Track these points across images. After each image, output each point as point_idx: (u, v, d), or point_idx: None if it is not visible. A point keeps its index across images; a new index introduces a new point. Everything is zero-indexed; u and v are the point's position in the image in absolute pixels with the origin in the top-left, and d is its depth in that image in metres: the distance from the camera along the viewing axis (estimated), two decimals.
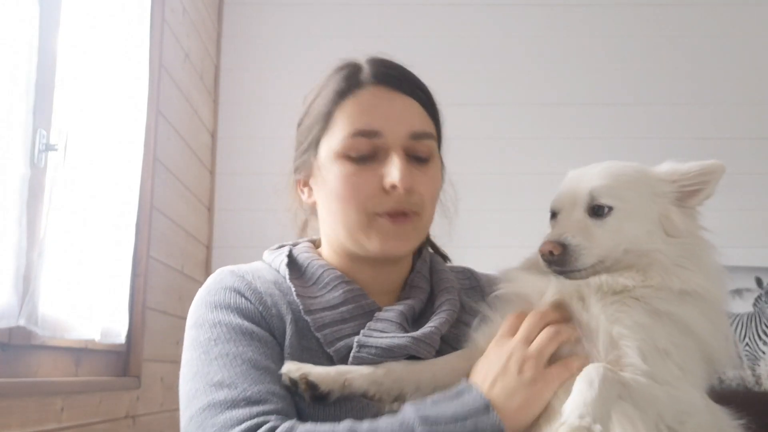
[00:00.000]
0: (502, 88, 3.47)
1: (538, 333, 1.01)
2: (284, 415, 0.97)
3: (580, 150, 3.29)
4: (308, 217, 1.24)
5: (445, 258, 1.28)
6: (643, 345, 0.95)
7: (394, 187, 1.06)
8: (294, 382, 0.99)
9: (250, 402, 0.96)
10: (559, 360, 0.99)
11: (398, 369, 1.03)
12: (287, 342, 1.05)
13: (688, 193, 1.07)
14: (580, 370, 0.95)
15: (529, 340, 1.00)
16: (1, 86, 1.56)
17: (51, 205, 1.75)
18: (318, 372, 1.00)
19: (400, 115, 1.09)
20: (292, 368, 1.00)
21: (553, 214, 1.11)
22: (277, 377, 1.01)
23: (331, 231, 1.14)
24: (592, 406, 0.85)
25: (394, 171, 1.06)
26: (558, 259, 1.02)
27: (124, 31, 2.23)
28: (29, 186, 1.62)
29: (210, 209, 3.37)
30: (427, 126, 1.13)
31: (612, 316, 0.97)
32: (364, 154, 1.07)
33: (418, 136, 1.10)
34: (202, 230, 3.25)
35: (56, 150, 1.78)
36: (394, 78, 1.12)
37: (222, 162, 3.42)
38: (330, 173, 1.09)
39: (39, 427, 1.74)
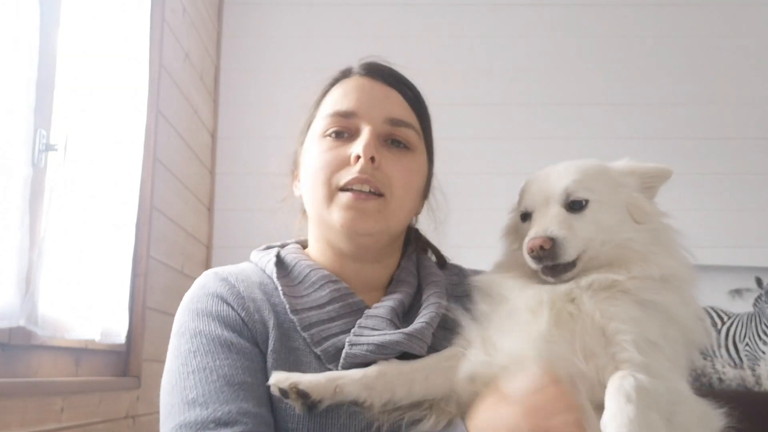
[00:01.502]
0: (502, 88, 3.48)
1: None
2: None
3: (579, 150, 3.28)
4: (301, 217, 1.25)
5: (443, 261, 1.28)
6: (638, 339, 0.95)
7: (357, 157, 1.09)
8: (284, 392, 0.98)
9: (219, 424, 0.96)
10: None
11: (390, 372, 1.01)
12: (271, 347, 1.05)
13: (643, 187, 1.12)
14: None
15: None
16: (1, 86, 1.56)
17: (51, 205, 1.75)
18: (308, 380, 0.98)
19: (379, 100, 1.14)
20: (280, 378, 0.99)
21: (526, 216, 1.13)
22: (253, 393, 1.01)
23: (309, 215, 1.17)
24: (637, 423, 0.84)
25: (359, 142, 1.10)
26: (549, 253, 1.03)
27: (124, 31, 2.24)
28: (29, 186, 1.62)
29: (210, 209, 3.37)
30: (408, 117, 1.15)
31: (607, 312, 0.98)
32: (340, 132, 1.12)
33: (395, 123, 1.13)
34: (202, 230, 3.25)
35: (56, 150, 1.78)
36: (381, 71, 1.17)
37: (222, 162, 3.42)
38: (309, 154, 1.15)
39: (39, 427, 1.74)
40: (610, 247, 1.06)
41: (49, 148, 1.78)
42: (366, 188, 1.09)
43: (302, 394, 0.97)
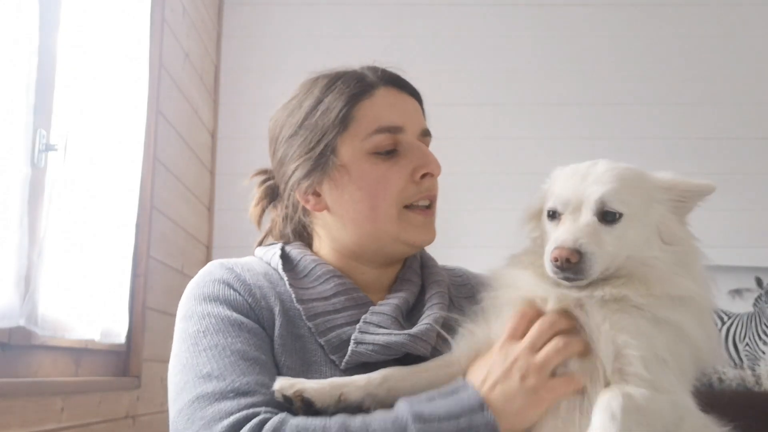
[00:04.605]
0: (502, 88, 3.48)
1: (546, 341, 0.99)
2: (274, 407, 0.96)
3: (580, 150, 3.29)
4: (293, 228, 1.23)
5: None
6: (645, 354, 0.94)
7: (428, 174, 1.13)
8: (288, 400, 0.97)
9: (239, 393, 0.96)
10: (563, 373, 0.98)
11: (393, 378, 1.02)
12: (276, 333, 1.06)
13: (678, 204, 1.08)
14: (583, 387, 0.96)
15: (535, 348, 0.98)
16: (1, 86, 1.56)
17: (51, 205, 1.75)
18: (313, 387, 0.98)
19: (413, 113, 1.17)
20: (285, 385, 0.98)
21: (554, 214, 1.07)
22: (267, 368, 1.01)
23: (352, 232, 1.15)
24: None
25: (429, 160, 1.14)
26: (574, 267, 0.99)
27: (124, 31, 2.23)
28: (29, 186, 1.62)
29: (210, 209, 3.37)
30: (426, 124, 1.20)
31: (617, 324, 0.97)
32: (389, 150, 1.13)
33: (425, 134, 1.19)
34: (202, 230, 3.25)
35: (56, 150, 1.78)
36: (399, 80, 1.19)
37: (222, 162, 3.42)
38: (359, 172, 1.13)
39: (39, 427, 1.74)
40: (633, 262, 1.02)
41: (49, 148, 1.78)
42: (427, 202, 1.15)
43: (307, 402, 0.97)
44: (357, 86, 1.14)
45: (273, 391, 0.98)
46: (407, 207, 1.13)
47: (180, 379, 1.01)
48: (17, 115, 1.59)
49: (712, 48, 3.50)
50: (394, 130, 1.13)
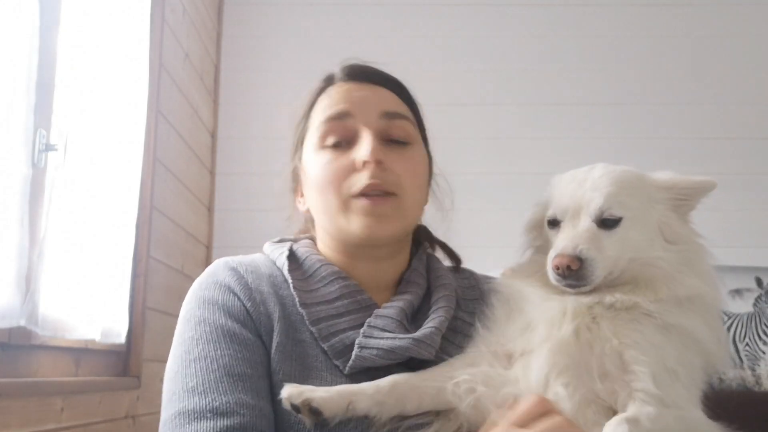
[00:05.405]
0: (502, 88, 3.47)
1: None
2: (251, 429, 0.96)
3: (580, 150, 3.29)
4: (307, 225, 1.26)
5: (458, 261, 1.27)
6: (655, 368, 0.93)
7: (365, 163, 1.08)
8: (296, 408, 0.97)
9: (216, 413, 0.96)
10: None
11: (401, 386, 1.01)
12: (276, 340, 1.05)
13: (679, 203, 1.07)
14: None
15: None
16: (1, 86, 1.56)
17: (51, 205, 1.75)
18: (321, 396, 0.97)
19: (370, 99, 1.13)
20: (293, 393, 0.97)
21: (554, 222, 1.07)
22: (252, 384, 1.00)
23: (320, 227, 1.18)
24: None
25: (363, 147, 1.09)
26: (575, 273, 0.99)
27: (124, 31, 2.23)
28: (29, 186, 1.62)
29: (210, 209, 3.37)
30: (400, 108, 1.16)
31: (626, 338, 0.96)
32: (339, 141, 1.11)
33: (391, 116, 1.13)
34: (202, 230, 3.25)
35: (56, 150, 1.78)
36: (364, 73, 1.17)
37: (222, 162, 3.42)
38: (310, 167, 1.14)
39: (39, 427, 1.74)
40: (637, 264, 1.02)
41: (49, 148, 1.78)
42: (379, 191, 1.09)
43: (315, 412, 0.97)
44: (319, 85, 1.18)
45: (252, 411, 0.98)
46: (354, 195, 1.09)
47: (170, 388, 1.03)
48: (17, 115, 1.59)
49: (711, 48, 3.50)
50: (339, 116, 1.11)
